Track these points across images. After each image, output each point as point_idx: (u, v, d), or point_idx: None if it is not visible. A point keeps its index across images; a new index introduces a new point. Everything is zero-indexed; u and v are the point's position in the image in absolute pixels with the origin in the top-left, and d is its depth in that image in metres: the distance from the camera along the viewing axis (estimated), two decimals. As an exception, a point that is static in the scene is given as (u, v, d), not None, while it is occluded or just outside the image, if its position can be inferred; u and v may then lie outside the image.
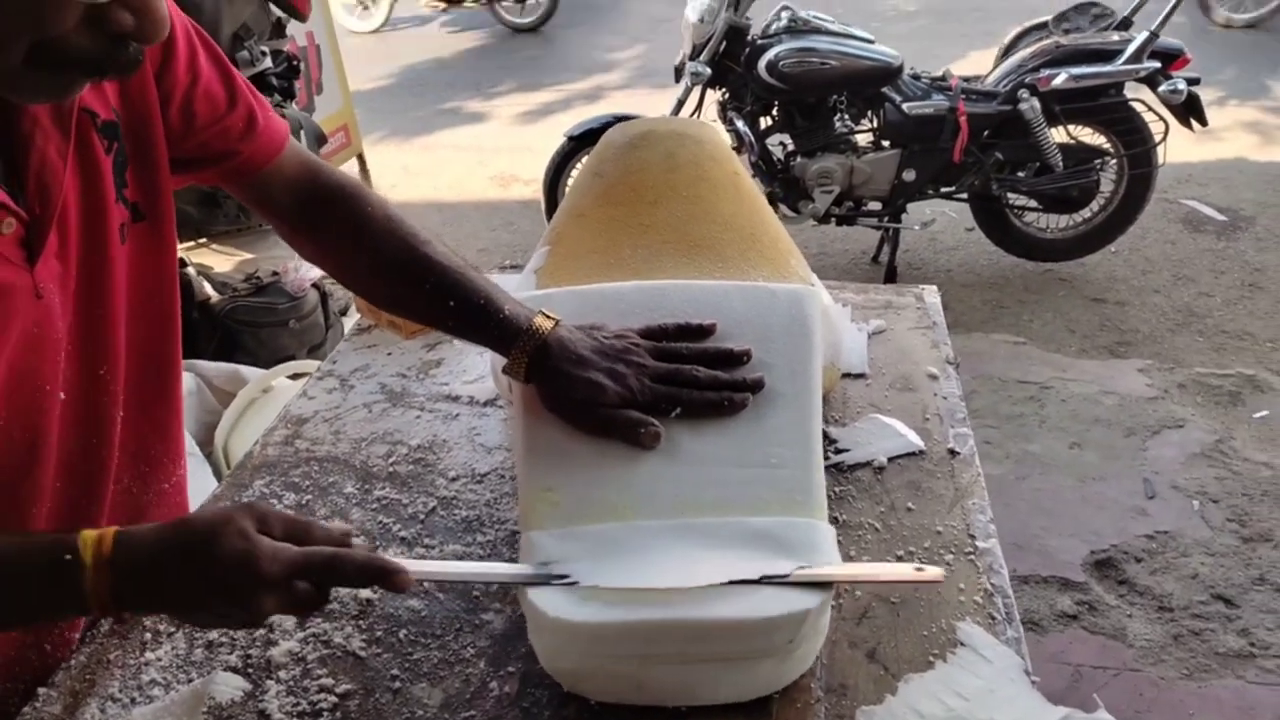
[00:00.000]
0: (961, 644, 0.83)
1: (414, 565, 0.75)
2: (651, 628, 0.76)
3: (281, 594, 0.69)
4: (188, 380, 1.94)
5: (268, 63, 2.08)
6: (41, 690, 0.84)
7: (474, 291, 0.94)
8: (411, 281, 0.96)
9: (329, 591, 0.73)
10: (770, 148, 3.74)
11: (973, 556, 0.93)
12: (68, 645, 0.91)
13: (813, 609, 0.76)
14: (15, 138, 0.73)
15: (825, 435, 1.06)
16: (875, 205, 3.75)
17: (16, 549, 0.70)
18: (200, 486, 1.72)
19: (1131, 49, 3.40)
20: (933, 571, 0.82)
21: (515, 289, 1.13)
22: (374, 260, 0.97)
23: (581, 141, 3.73)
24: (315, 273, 2.27)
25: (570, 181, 3.79)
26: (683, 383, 0.92)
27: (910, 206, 3.79)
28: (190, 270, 2.16)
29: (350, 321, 2.57)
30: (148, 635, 0.89)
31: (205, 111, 0.89)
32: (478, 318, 0.93)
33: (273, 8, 2.17)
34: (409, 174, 5.32)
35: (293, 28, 2.48)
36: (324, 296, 2.37)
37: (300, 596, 0.70)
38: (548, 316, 0.94)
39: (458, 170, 5.38)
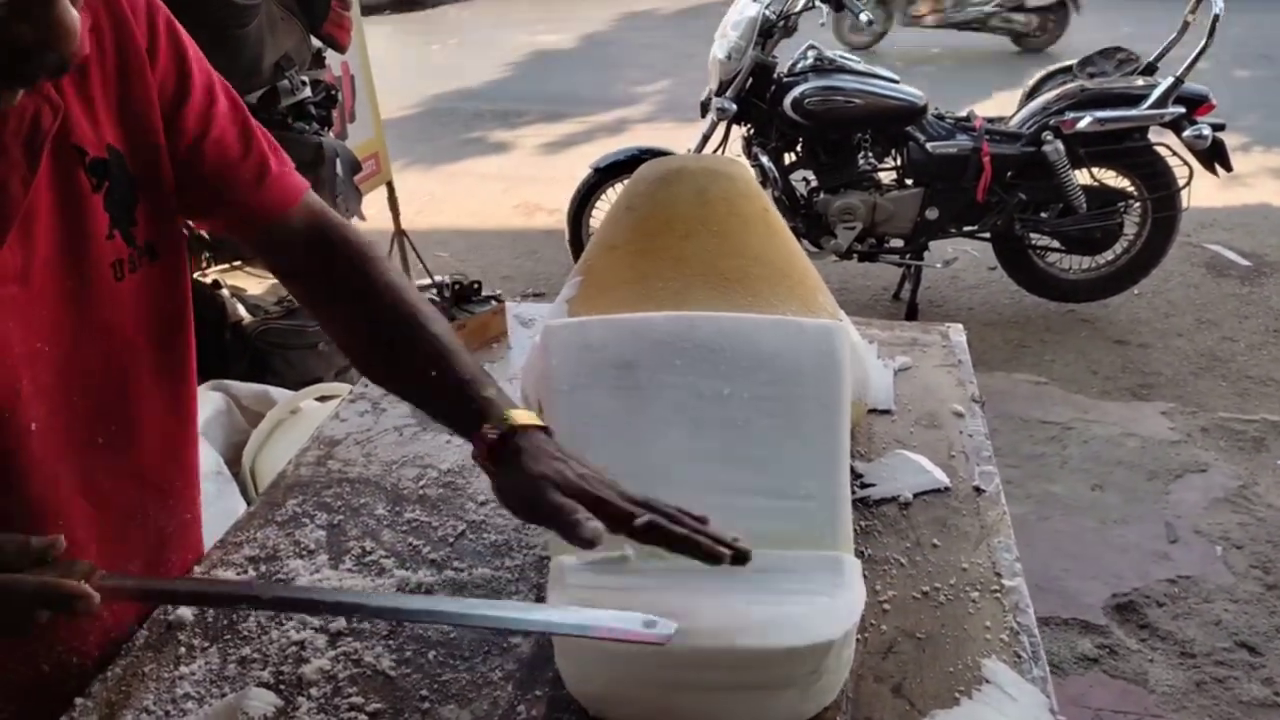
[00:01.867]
0: (987, 681, 0.83)
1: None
2: (676, 655, 0.76)
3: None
4: (217, 400, 1.98)
5: (307, 92, 2.13)
6: (79, 701, 0.86)
7: (461, 368, 0.87)
8: (401, 348, 0.90)
9: (30, 619, 0.70)
10: (794, 183, 3.78)
11: (999, 594, 0.93)
12: (65, 668, 0.90)
13: (836, 640, 0.77)
14: None
15: (851, 470, 1.07)
16: (897, 242, 3.77)
17: None
18: (227, 506, 1.74)
19: (1156, 94, 3.42)
20: (663, 630, 0.72)
21: (547, 317, 1.15)
22: (371, 324, 0.93)
23: (606, 174, 3.78)
24: (345, 297, 2.30)
25: (595, 212, 3.84)
26: (660, 513, 0.77)
27: (932, 244, 3.81)
28: (224, 292, 2.20)
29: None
30: (182, 649, 0.91)
31: (216, 160, 0.90)
32: (456, 396, 0.86)
33: (314, 39, 2.23)
34: (434, 201, 5.39)
35: (330, 58, 2.54)
36: (352, 320, 2.40)
37: None
38: (531, 418, 0.84)
39: (482, 198, 5.45)
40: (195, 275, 2.24)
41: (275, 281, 2.22)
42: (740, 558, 0.76)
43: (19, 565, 0.70)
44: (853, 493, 1.04)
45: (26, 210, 0.76)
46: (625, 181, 3.91)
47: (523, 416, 0.83)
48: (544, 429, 0.83)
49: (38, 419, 0.80)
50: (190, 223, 0.97)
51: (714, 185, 1.19)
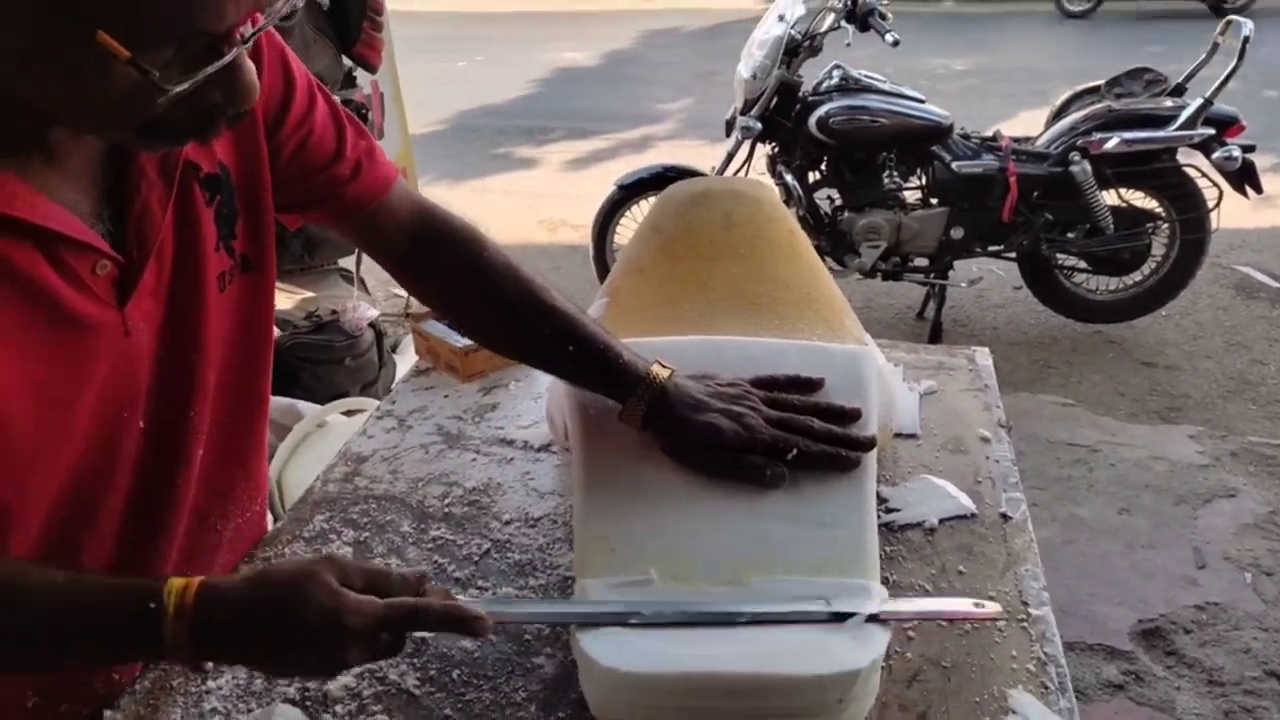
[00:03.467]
0: (1014, 712, 0.83)
1: (491, 608, 0.77)
2: (702, 681, 0.76)
3: (364, 645, 0.71)
4: (245, 413, 2.00)
5: (338, 111, 2.17)
6: (107, 713, 0.87)
7: (592, 338, 0.97)
8: (530, 326, 0.98)
9: (405, 639, 0.75)
10: (818, 202, 3.78)
11: (1025, 624, 0.92)
12: (132, 672, 0.93)
13: (864, 668, 0.77)
14: (125, 186, 0.78)
15: (876, 495, 1.07)
16: (922, 261, 3.76)
17: (102, 591, 0.71)
18: (253, 518, 1.76)
19: (1186, 115, 3.40)
20: (991, 607, 0.84)
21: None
22: (492, 304, 1.00)
23: (631, 191, 3.79)
24: (372, 312, 2.33)
25: (619, 229, 3.85)
26: (798, 430, 0.93)
27: (957, 264, 3.79)
28: (253, 306, 2.22)
29: (403, 359, 2.63)
30: (209, 665, 0.92)
31: (316, 161, 0.94)
32: (596, 364, 0.96)
33: (345, 60, 2.26)
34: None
35: (360, 76, 2.57)
36: (379, 335, 2.43)
37: (382, 647, 0.72)
38: (663, 365, 0.97)
39: (507, 214, 5.48)
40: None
41: (305, 296, 2.25)
42: (868, 447, 0.94)
43: (403, 593, 0.73)
44: (877, 518, 1.04)
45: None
46: (650, 199, 3.95)
47: (659, 372, 0.95)
48: (673, 375, 0.96)
49: (146, 421, 0.85)
50: (283, 221, 1.00)
51: (740, 209, 1.19)
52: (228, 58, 0.65)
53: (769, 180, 3.75)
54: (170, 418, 0.87)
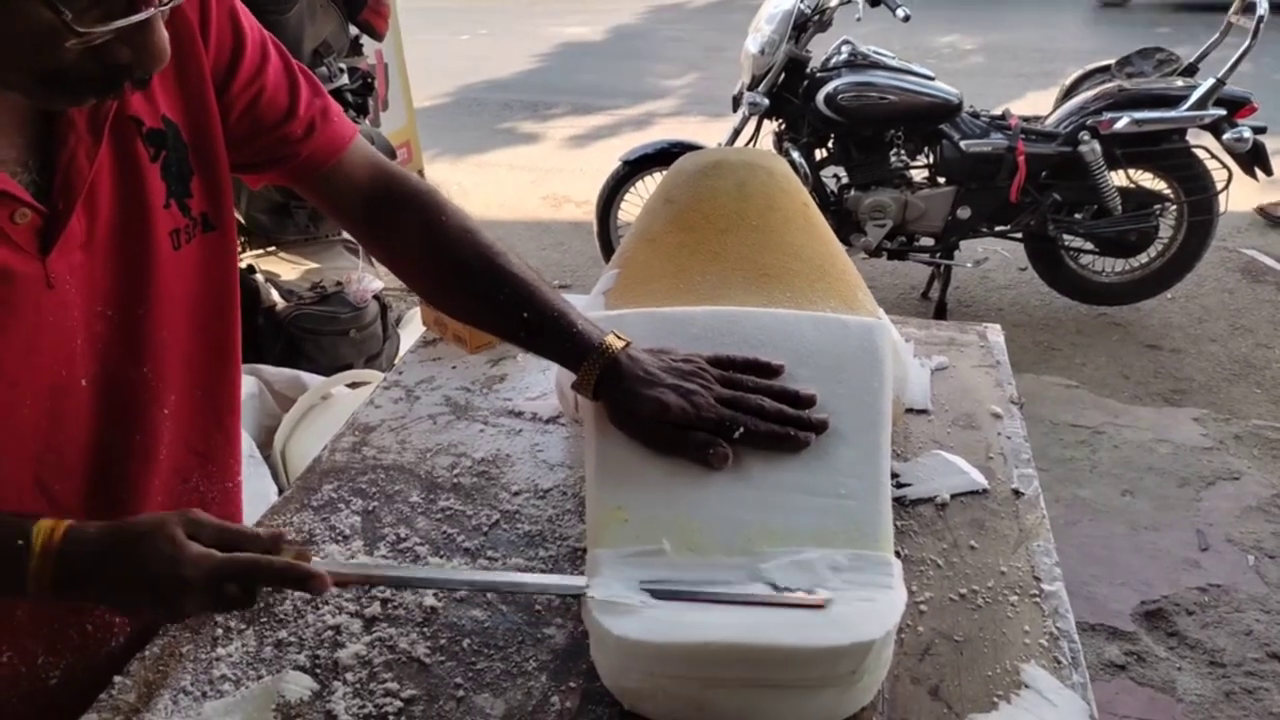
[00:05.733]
0: (1026, 686, 0.82)
1: (338, 569, 0.82)
2: (715, 651, 0.76)
3: (203, 596, 0.76)
4: (250, 384, 1.99)
5: (345, 79, 2.14)
6: (117, 679, 0.86)
7: (547, 305, 0.96)
8: (484, 291, 0.97)
9: (256, 593, 0.80)
10: (824, 179, 3.76)
11: (1038, 599, 0.92)
12: (109, 628, 0.94)
13: (877, 640, 0.76)
14: (54, 138, 0.78)
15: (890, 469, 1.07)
16: (928, 241, 3.74)
17: None
18: (258, 489, 1.76)
19: (1196, 95, 3.37)
20: (822, 594, 0.80)
21: (583, 309, 1.15)
22: (447, 267, 0.99)
23: (636, 166, 3.77)
24: (377, 284, 2.32)
25: (624, 205, 3.83)
26: (747, 410, 0.92)
27: (963, 244, 3.78)
28: (259, 277, 2.21)
29: (407, 333, 2.62)
30: (219, 631, 0.91)
31: (268, 118, 0.93)
32: (550, 332, 0.96)
33: (351, 27, 2.24)
34: (463, 191, 5.40)
35: (366, 45, 2.55)
36: (384, 308, 2.42)
37: (225, 598, 0.77)
38: (619, 337, 0.96)
39: (511, 189, 5.46)
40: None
41: (309, 267, 2.24)
42: (819, 429, 0.92)
43: (252, 550, 0.79)
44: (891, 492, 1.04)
45: (91, 181, 0.79)
46: (655, 174, 3.94)
47: (614, 341, 0.95)
48: (629, 346, 0.95)
49: (88, 376, 0.84)
50: (244, 179, 1.00)
51: (753, 179, 1.18)
52: (143, 14, 0.65)
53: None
54: (119, 376, 0.86)
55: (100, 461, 0.88)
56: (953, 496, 1.06)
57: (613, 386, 0.94)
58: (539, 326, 0.96)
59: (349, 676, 0.86)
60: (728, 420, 0.91)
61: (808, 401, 0.94)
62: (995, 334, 1.42)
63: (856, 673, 0.77)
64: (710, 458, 0.89)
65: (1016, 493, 1.07)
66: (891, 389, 0.98)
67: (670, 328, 1.02)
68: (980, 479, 1.08)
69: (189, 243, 0.89)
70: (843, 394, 0.95)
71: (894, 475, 1.09)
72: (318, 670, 0.86)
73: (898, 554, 0.96)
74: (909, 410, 1.21)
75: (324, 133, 0.96)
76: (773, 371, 0.98)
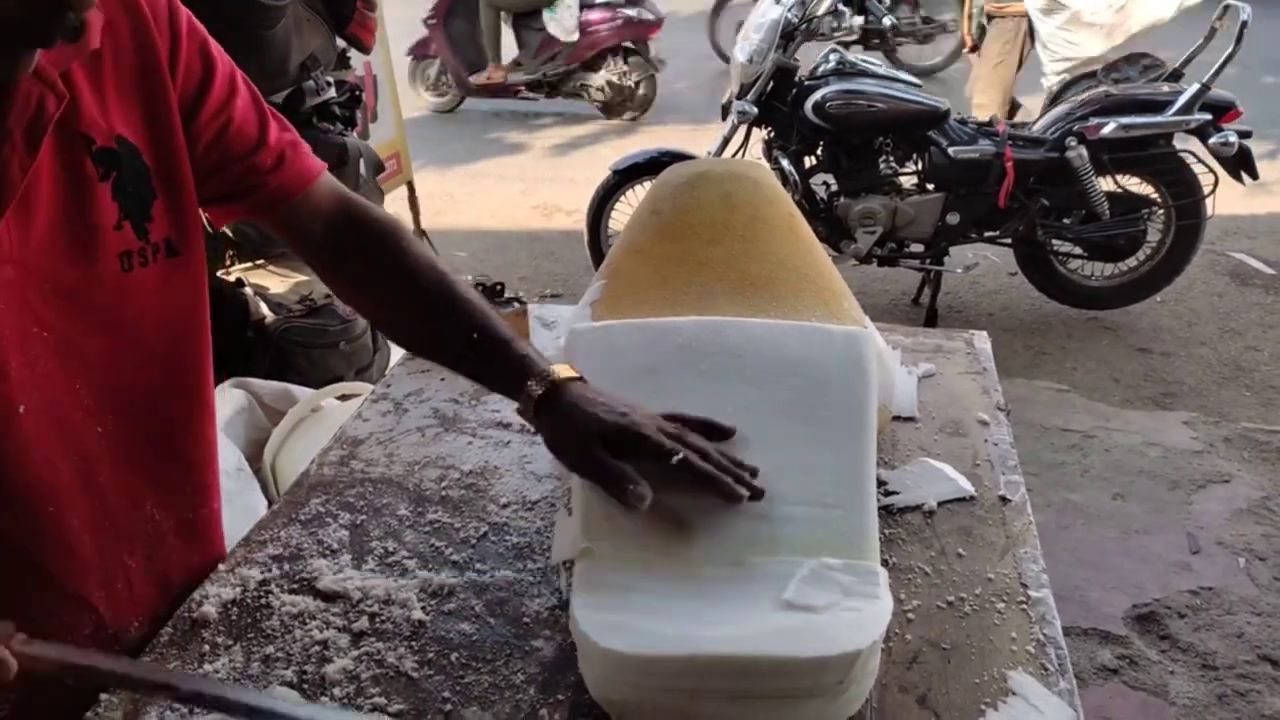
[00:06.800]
0: (1013, 693, 0.83)
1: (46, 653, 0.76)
2: (703, 662, 0.76)
3: None
4: (239, 397, 1.98)
5: (332, 92, 2.14)
6: (104, 696, 0.86)
7: (499, 330, 0.95)
8: (440, 314, 0.96)
9: None
10: (814, 187, 3.77)
11: (1025, 606, 0.92)
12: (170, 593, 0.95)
13: (864, 649, 0.76)
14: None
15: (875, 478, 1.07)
16: (918, 247, 3.76)
17: None
18: (248, 503, 1.75)
19: (1182, 100, 3.39)
20: None
21: (570, 320, 1.15)
22: (405, 291, 0.98)
23: (626, 175, 3.78)
24: (366, 296, 2.31)
25: (614, 214, 3.84)
26: (690, 446, 0.89)
27: (953, 250, 3.79)
28: (247, 291, 2.21)
29: (397, 347, 2.61)
30: (206, 647, 0.91)
31: (236, 149, 0.92)
32: (500, 356, 0.94)
33: (339, 40, 2.24)
34: (453, 201, 5.41)
35: (353, 57, 2.55)
36: (373, 320, 2.41)
37: None
38: (572, 369, 0.94)
39: (501, 199, 5.46)
40: (219, 273, 2.25)
41: (298, 280, 2.23)
42: (756, 496, 0.87)
43: None
44: (877, 501, 1.04)
45: (25, 194, 0.76)
46: (645, 183, 3.93)
47: (564, 370, 0.92)
48: (582, 379, 0.93)
49: (27, 402, 0.80)
50: (209, 217, 0.98)
51: (739, 189, 1.18)
52: None
53: (768, 166, 3.74)
54: (50, 394, 0.83)
55: (45, 488, 0.84)
56: (940, 504, 1.07)
57: (552, 408, 0.91)
58: (490, 349, 0.94)
59: (336, 691, 0.85)
60: (668, 446, 0.87)
61: (751, 471, 0.90)
62: (982, 340, 1.42)
63: (844, 683, 0.77)
64: (628, 495, 0.84)
65: (1004, 499, 1.08)
66: (876, 398, 0.98)
67: (656, 338, 1.02)
68: (967, 486, 1.09)
69: (144, 267, 0.86)
70: (828, 403, 0.95)
71: (881, 483, 1.09)
72: (305, 685, 0.86)
73: (884, 562, 0.97)
74: (896, 418, 1.22)
75: (293, 164, 0.96)
76: (725, 434, 0.94)
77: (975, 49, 5.03)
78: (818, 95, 3.53)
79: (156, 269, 0.87)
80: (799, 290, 1.11)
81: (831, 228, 3.70)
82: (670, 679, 0.78)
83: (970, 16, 5.04)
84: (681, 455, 0.86)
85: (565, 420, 0.90)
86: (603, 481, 0.88)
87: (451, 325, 0.95)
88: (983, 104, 4.93)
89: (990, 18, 4.84)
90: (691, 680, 0.78)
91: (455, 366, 1.01)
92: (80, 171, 0.81)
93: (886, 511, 1.05)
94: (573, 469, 0.91)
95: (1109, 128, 3.40)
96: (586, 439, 0.88)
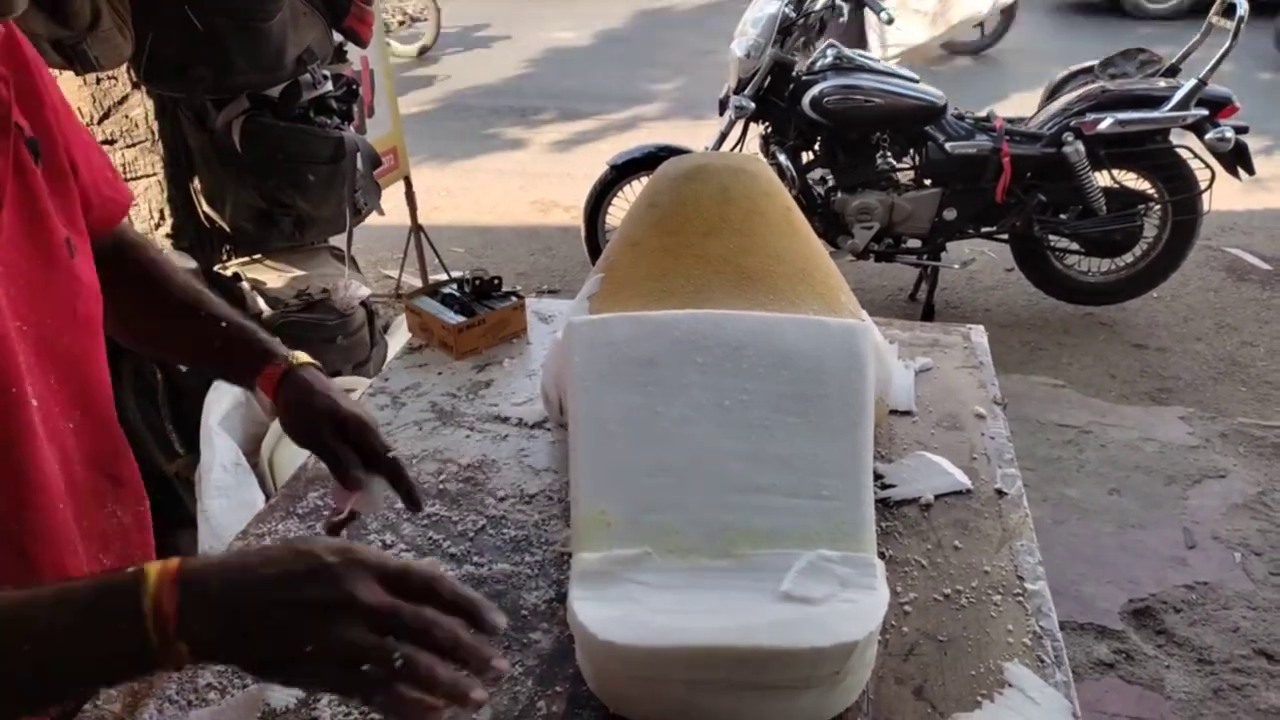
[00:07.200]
0: (1009, 685, 0.83)
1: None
2: (700, 653, 0.76)
3: (376, 597, 0.59)
4: (236, 392, 1.98)
5: (329, 86, 2.14)
6: (102, 689, 0.86)
7: (245, 322, 1.02)
8: (191, 310, 1.02)
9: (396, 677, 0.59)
10: (811, 182, 3.76)
11: (1021, 598, 0.93)
12: None
13: (860, 640, 0.77)
14: None
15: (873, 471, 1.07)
16: (915, 243, 3.75)
17: (60, 590, 0.63)
18: (246, 497, 1.75)
19: (1179, 96, 3.39)
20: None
21: (568, 314, 1.15)
22: (157, 298, 1.02)
23: (623, 171, 3.77)
24: (364, 291, 2.31)
25: (611, 209, 3.84)
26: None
27: (950, 245, 3.79)
28: (244, 285, 2.20)
29: (394, 339, 2.61)
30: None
31: (86, 179, 0.91)
32: (245, 341, 1.01)
33: (335, 34, 2.24)
34: (450, 196, 5.40)
35: (350, 52, 2.54)
36: (371, 314, 2.41)
37: (399, 615, 0.60)
38: (308, 357, 1.01)
39: (498, 194, 5.45)
40: (215, 268, 2.25)
41: (295, 275, 2.23)
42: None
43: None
44: (874, 494, 1.04)
45: None
46: (642, 178, 3.91)
47: (303, 356, 0.99)
48: (318, 367, 1.00)
49: (37, 395, 0.79)
50: None
51: (737, 183, 1.18)
52: None
53: (762, 158, 3.74)
54: (38, 389, 0.81)
55: (44, 481, 0.81)
56: (937, 497, 1.07)
57: (291, 387, 0.97)
58: (238, 335, 1.01)
59: (334, 684, 0.85)
60: (386, 444, 0.96)
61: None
62: (979, 335, 1.42)
63: (840, 673, 0.77)
64: (348, 478, 0.93)
65: (1000, 493, 1.08)
66: (874, 390, 0.98)
67: (654, 330, 1.02)
68: (964, 479, 1.09)
69: (75, 254, 0.85)
70: (825, 395, 0.95)
71: (879, 476, 1.09)
72: (303, 678, 0.86)
73: (881, 555, 0.97)
74: (893, 412, 1.22)
75: (115, 201, 0.96)
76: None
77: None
78: (815, 90, 3.53)
79: (80, 256, 0.86)
80: (796, 284, 1.11)
81: (829, 223, 3.70)
82: (667, 670, 0.78)
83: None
84: (393, 455, 0.95)
85: (302, 401, 0.96)
86: (327, 460, 0.94)
87: (202, 320, 1.01)
88: None
89: None
90: (689, 671, 0.78)
91: (200, 358, 1.07)
92: (21, 159, 0.80)
93: (883, 505, 1.06)
94: (302, 445, 0.97)
95: (1106, 123, 3.40)
96: (317, 420, 0.94)
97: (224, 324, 1.00)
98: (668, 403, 0.95)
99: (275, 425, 1.94)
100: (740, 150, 3.80)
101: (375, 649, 0.58)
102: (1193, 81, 3.40)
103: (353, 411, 0.95)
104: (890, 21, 3.45)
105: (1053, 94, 3.78)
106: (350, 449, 0.93)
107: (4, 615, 0.60)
